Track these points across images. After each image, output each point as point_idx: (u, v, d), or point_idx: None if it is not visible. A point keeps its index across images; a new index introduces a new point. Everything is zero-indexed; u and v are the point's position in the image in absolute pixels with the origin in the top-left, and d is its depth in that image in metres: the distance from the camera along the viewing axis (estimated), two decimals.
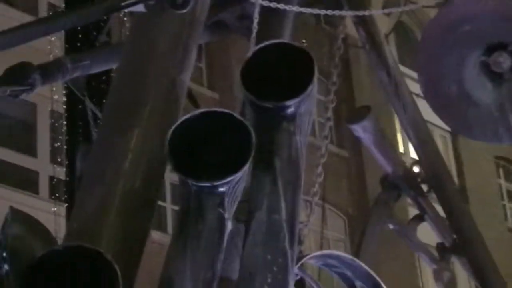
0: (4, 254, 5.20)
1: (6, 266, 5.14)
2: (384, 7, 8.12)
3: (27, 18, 19.34)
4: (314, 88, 5.33)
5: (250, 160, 4.96)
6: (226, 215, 5.00)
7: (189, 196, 4.97)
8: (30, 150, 20.03)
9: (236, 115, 5.13)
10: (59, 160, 14.85)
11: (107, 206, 5.19)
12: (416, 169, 7.87)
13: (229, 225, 5.05)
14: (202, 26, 6.11)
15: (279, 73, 5.32)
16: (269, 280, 5.07)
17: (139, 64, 5.79)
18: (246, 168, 4.98)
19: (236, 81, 5.45)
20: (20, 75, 5.62)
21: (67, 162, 10.48)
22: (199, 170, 4.91)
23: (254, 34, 6.10)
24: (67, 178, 10.56)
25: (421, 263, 23.26)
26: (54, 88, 11.35)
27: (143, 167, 5.38)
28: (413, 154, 9.14)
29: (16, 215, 5.37)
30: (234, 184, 4.98)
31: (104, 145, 5.63)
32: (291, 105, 5.28)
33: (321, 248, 7.54)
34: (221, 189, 4.94)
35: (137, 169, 5.35)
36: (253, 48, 5.64)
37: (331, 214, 21.49)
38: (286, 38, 6.53)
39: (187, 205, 5.00)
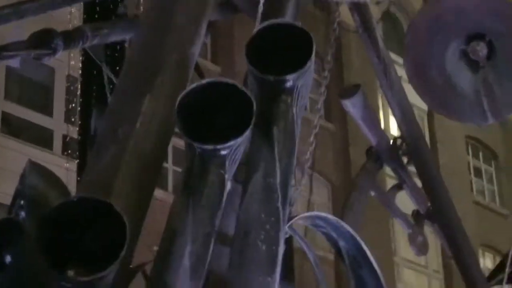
0: (22, 202, 5.21)
1: (23, 213, 5.14)
2: None
3: None
4: (311, 65, 5.35)
5: (251, 127, 4.99)
6: (226, 176, 5.03)
7: (194, 157, 4.99)
8: (47, 110, 20.02)
9: (239, 85, 5.15)
10: (72, 120, 14.85)
11: (119, 163, 5.21)
12: (398, 142, 7.91)
13: (228, 185, 5.08)
14: (213, 4, 6.12)
15: (281, 50, 5.34)
16: (262, 236, 5.09)
17: (154, 36, 5.81)
18: (247, 134, 5.00)
19: (242, 55, 5.44)
20: (44, 40, 5.61)
21: (80, 123, 10.50)
22: (204, 134, 4.94)
23: (259, 14, 6.10)
24: (79, 137, 10.56)
25: (394, 228, 23.38)
26: (71, 54, 11.32)
27: (153, 129, 5.41)
28: (392, 130, 9.15)
29: (34, 167, 5.37)
30: (235, 148, 5.01)
31: (118, 107, 5.65)
32: (290, 79, 5.30)
33: (307, 211, 7.53)
34: (223, 152, 4.96)
35: (147, 131, 5.37)
36: (258, 26, 5.64)
37: (317, 182, 21.53)
38: (287, 19, 6.53)
39: (191, 166, 5.02)
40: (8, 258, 4.91)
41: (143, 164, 5.31)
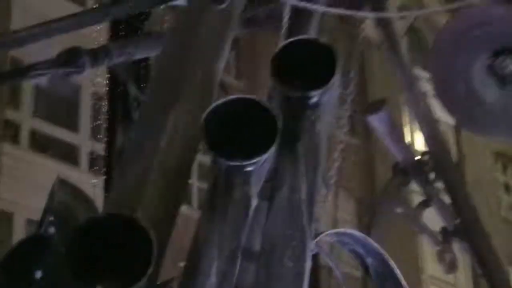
0: (51, 218, 5.25)
1: (52, 229, 5.18)
2: (399, 11, 8.12)
3: (74, 7, 19.46)
4: (336, 81, 5.36)
5: (276, 143, 5.00)
6: (252, 192, 5.04)
7: (219, 174, 5.01)
8: (73, 126, 20.12)
9: (264, 102, 5.16)
10: (98, 136, 14.87)
11: (145, 179, 5.22)
12: (424, 158, 7.88)
13: (254, 202, 5.09)
14: (237, 20, 6.14)
15: (305, 66, 5.35)
16: (288, 253, 5.10)
17: (179, 52, 5.83)
18: (272, 150, 5.01)
19: (265, 71, 5.46)
20: (72, 58, 5.67)
21: (105, 139, 10.51)
22: (229, 150, 4.95)
23: (284, 30, 6.13)
24: (105, 154, 10.59)
25: (422, 245, 23.25)
26: (97, 72, 11.37)
27: (179, 146, 5.41)
28: (418, 146, 9.13)
29: (62, 183, 5.41)
30: (260, 165, 5.01)
31: (144, 124, 5.68)
32: (315, 95, 5.31)
33: (333, 227, 7.52)
34: (248, 169, 4.97)
35: (173, 147, 5.38)
36: (282, 42, 5.66)
37: (342, 197, 21.46)
38: (312, 35, 6.54)
39: (216, 182, 5.04)
40: (38, 274, 4.95)
41: (169, 180, 5.32)
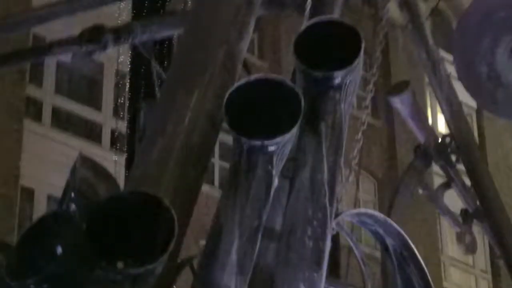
0: (73, 195, 5.27)
1: (73, 206, 5.20)
2: None
3: None
4: (360, 62, 5.34)
5: (298, 123, 5.00)
6: (274, 172, 5.04)
7: (241, 153, 5.01)
8: (96, 104, 20.16)
9: (288, 81, 5.16)
10: (121, 114, 14.93)
11: (167, 157, 5.23)
12: (446, 140, 7.86)
13: (276, 181, 5.08)
14: (260, 0, 6.13)
15: (329, 46, 5.33)
16: (309, 232, 5.10)
17: (203, 32, 5.83)
18: (294, 130, 5.01)
19: (288, 51, 5.46)
20: (95, 36, 5.67)
21: (128, 117, 10.54)
22: (251, 130, 4.95)
23: (307, 11, 6.11)
24: (128, 132, 10.62)
25: (441, 226, 23.22)
26: (120, 50, 11.39)
27: (201, 125, 5.41)
28: (440, 128, 9.11)
29: (84, 160, 5.43)
30: (283, 144, 5.01)
31: (167, 102, 5.68)
32: (338, 76, 5.30)
33: (354, 207, 7.53)
34: (270, 148, 4.97)
35: (195, 126, 5.39)
36: (306, 22, 5.65)
37: (363, 178, 21.47)
38: (336, 16, 6.52)
39: (239, 161, 5.04)
40: (58, 250, 4.97)
41: (191, 159, 5.33)
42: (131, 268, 4.54)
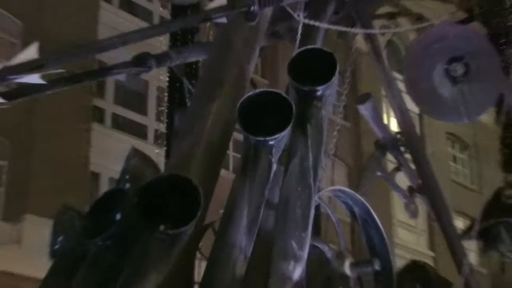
0: (127, 177, 5.25)
1: (128, 185, 5.18)
2: (381, 29, 8.10)
3: (144, 24, 19.46)
4: (335, 80, 5.32)
5: (291, 124, 4.98)
6: (273, 160, 5.02)
7: (249, 146, 4.99)
8: (143, 111, 20.17)
9: (283, 94, 5.14)
10: (161, 118, 14.90)
11: (195, 150, 5.21)
12: (398, 136, 7.84)
13: (274, 167, 5.07)
14: (263, 33, 6.09)
15: (313, 68, 5.30)
16: (299, 203, 5.08)
17: (220, 57, 5.79)
18: (288, 129, 4.99)
19: (284, 71, 5.43)
20: (142, 61, 5.66)
21: (166, 120, 10.49)
22: (257, 129, 4.93)
23: (298, 41, 6.08)
24: (166, 131, 10.57)
25: (393, 199, 23.22)
26: (160, 71, 11.32)
27: (220, 126, 5.39)
28: (393, 127, 9.08)
29: (135, 152, 5.40)
30: (279, 140, 4.99)
31: (195, 109, 5.65)
32: (320, 90, 5.27)
33: (330, 185, 7.48)
34: (270, 143, 4.95)
35: (215, 127, 5.36)
36: (296, 50, 5.62)
37: (337, 165, 21.45)
38: (318, 45, 6.49)
39: (248, 152, 5.02)
40: (117, 216, 4.96)
41: (212, 151, 5.31)
42: (170, 230, 4.52)
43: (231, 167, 17.12)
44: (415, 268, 8.30)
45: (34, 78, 4.21)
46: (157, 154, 10.01)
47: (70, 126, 18.11)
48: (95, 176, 18.64)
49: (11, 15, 18.48)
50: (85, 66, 6.52)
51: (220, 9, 4.87)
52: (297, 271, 4.96)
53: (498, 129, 8.44)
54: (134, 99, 20.40)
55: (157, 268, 4.44)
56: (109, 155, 18.09)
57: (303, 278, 5.09)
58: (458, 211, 26.35)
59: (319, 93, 5.29)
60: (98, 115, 19.43)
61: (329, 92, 5.37)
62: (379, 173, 8.30)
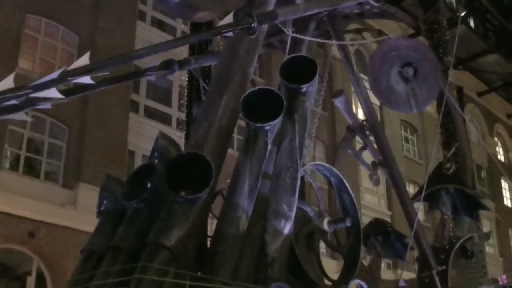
0: (156, 154, 5.21)
1: (156, 161, 5.14)
2: (350, 41, 8.03)
3: (169, 37, 19.35)
4: (316, 79, 5.29)
5: (282, 114, 4.93)
6: (268, 141, 4.98)
7: (250, 130, 4.95)
8: (168, 103, 20.10)
9: (276, 90, 5.09)
10: (182, 109, 14.81)
11: (208, 133, 5.16)
12: (364, 123, 7.78)
13: (269, 147, 5.03)
14: (261, 44, 6.03)
15: (299, 70, 5.26)
16: (288, 175, 5.05)
17: (228, 62, 5.73)
18: (280, 118, 4.94)
19: (276, 73, 5.39)
20: (168, 65, 5.60)
21: (186, 111, 10.42)
22: (256, 117, 4.89)
23: (287, 50, 6.03)
24: (186, 119, 10.49)
25: (360, 171, 23.20)
26: (181, 73, 11.23)
27: (228, 114, 5.33)
28: (360, 116, 9.02)
29: (162, 135, 5.36)
30: (273, 126, 4.95)
31: (208, 102, 5.59)
32: (305, 87, 5.23)
33: (312, 161, 7.44)
34: (266, 128, 4.91)
35: (224, 115, 5.31)
36: (286, 57, 5.57)
37: (317, 145, 21.38)
38: (303, 53, 6.43)
39: (248, 135, 4.98)
40: (149, 184, 4.93)
41: (222, 134, 5.26)
42: (189, 195, 4.50)
43: (235, 147, 17.04)
44: (377, 224, 8.30)
45: (86, 79, 4.18)
46: (179, 137, 9.96)
47: (113, 115, 18.05)
48: (132, 154, 18.58)
49: (70, 31, 18.45)
50: (124, 69, 6.46)
51: (227, 26, 4.81)
52: (287, 227, 4.94)
53: (439, 116, 8.39)
54: (162, 94, 20.30)
55: (180, 224, 4.42)
56: (142, 137, 18.07)
57: (292, 232, 5.07)
58: (409, 179, 26.38)
59: (303, 90, 5.25)
60: (134, 106, 19.35)
61: (311, 89, 5.33)
62: (350, 151, 8.25)
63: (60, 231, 15.76)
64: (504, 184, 34.22)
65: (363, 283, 5.64)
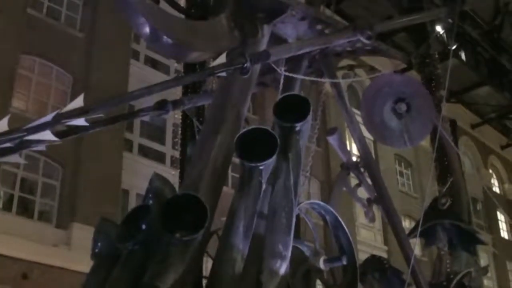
0: (150, 195, 5.18)
1: (151, 201, 5.12)
2: (343, 78, 8.07)
3: (165, 77, 19.50)
4: (309, 117, 5.30)
5: (276, 153, 4.94)
6: (262, 181, 4.96)
7: (244, 170, 4.93)
8: (162, 141, 20.12)
9: (270, 129, 5.10)
10: (176, 148, 14.81)
11: (203, 174, 5.14)
12: (358, 160, 7.79)
13: (263, 186, 5.01)
14: (254, 83, 6.08)
15: (292, 109, 5.28)
16: (283, 214, 5.02)
17: (221, 101, 5.75)
18: (273, 157, 4.94)
19: (269, 111, 5.41)
20: (162, 105, 5.63)
21: (180, 149, 10.43)
22: (250, 157, 4.88)
23: (280, 88, 6.07)
24: (180, 157, 10.49)
25: (356, 208, 23.17)
26: (175, 112, 11.29)
27: (222, 155, 5.32)
28: (354, 152, 9.03)
29: (157, 175, 5.34)
30: (268, 165, 4.94)
31: (202, 142, 5.58)
32: (298, 126, 5.24)
33: (307, 199, 7.43)
34: (261, 167, 4.89)
35: (219, 155, 5.30)
36: (279, 96, 5.60)
37: (312, 182, 21.37)
38: (296, 91, 6.47)
39: (243, 174, 4.97)
40: (143, 225, 4.90)
41: (216, 174, 5.25)
42: (184, 237, 4.47)
43: (230, 184, 17.02)
44: (374, 260, 8.25)
45: (80, 121, 4.21)
46: (173, 175, 9.95)
47: (107, 154, 18.06)
48: (126, 193, 18.53)
49: (64, 71, 18.58)
50: (118, 109, 6.48)
51: (221, 66, 4.85)
52: (283, 267, 4.90)
53: (433, 151, 8.41)
54: (155, 132, 20.35)
55: (175, 266, 4.38)
56: (136, 175, 18.04)
57: (288, 272, 5.03)
58: (405, 214, 26.34)
59: (297, 128, 5.27)
60: (128, 145, 19.37)
61: (305, 127, 5.35)
62: (344, 188, 8.24)
63: (54, 271, 15.60)
64: (500, 216, 34.18)
65: None
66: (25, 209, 16.64)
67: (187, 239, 4.41)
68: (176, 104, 6.39)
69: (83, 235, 14.50)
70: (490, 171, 35.43)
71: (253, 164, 4.85)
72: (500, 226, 34.01)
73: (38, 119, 4.09)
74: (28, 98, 17.67)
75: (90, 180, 17.38)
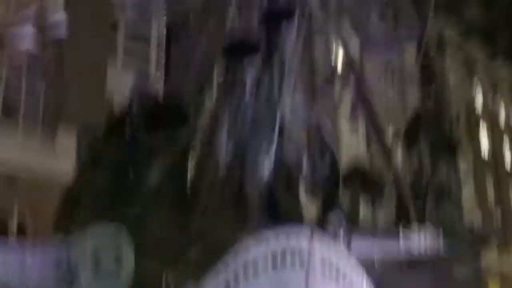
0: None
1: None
2: None
3: None
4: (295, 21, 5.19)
5: (260, 52, 4.92)
6: (248, 81, 4.97)
7: (228, 69, 4.93)
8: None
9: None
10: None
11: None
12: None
13: (247, 86, 4.99)
14: None
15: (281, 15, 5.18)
16: (268, 113, 5.05)
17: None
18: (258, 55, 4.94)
19: None
20: None
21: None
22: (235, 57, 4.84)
23: None
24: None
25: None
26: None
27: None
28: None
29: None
30: (252, 65, 4.96)
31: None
32: (283, 27, 5.15)
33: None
34: (246, 67, 4.89)
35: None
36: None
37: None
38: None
39: (227, 73, 4.96)
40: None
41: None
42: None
43: None
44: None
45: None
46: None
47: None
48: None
49: None
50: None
51: None
52: (266, 167, 4.94)
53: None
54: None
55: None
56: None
57: (271, 173, 5.05)
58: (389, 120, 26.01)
59: (282, 30, 5.16)
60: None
61: (291, 32, 5.25)
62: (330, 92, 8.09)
63: None
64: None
65: None
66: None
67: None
68: None
69: None
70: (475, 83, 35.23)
71: (238, 63, 4.80)
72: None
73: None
74: None
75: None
